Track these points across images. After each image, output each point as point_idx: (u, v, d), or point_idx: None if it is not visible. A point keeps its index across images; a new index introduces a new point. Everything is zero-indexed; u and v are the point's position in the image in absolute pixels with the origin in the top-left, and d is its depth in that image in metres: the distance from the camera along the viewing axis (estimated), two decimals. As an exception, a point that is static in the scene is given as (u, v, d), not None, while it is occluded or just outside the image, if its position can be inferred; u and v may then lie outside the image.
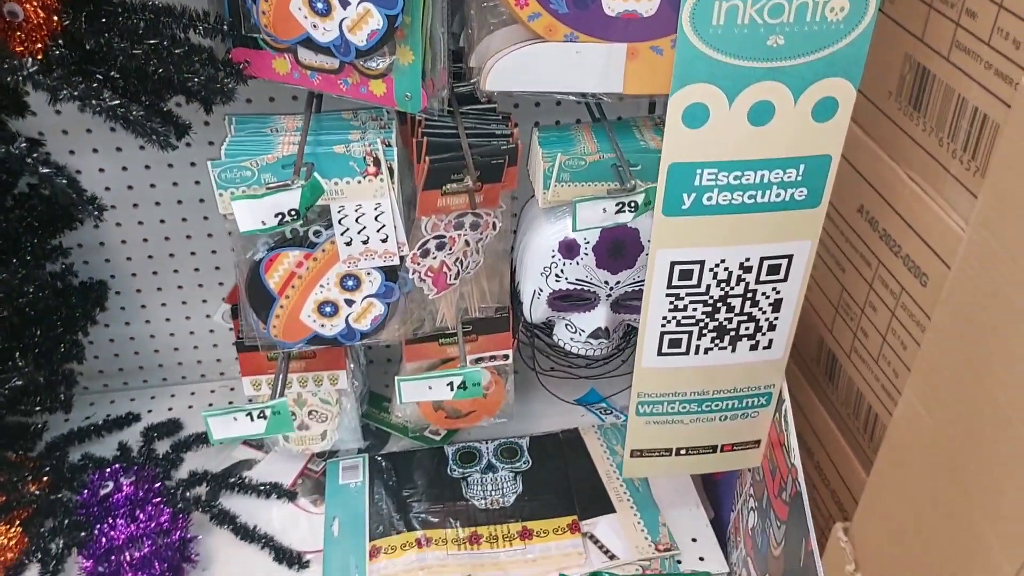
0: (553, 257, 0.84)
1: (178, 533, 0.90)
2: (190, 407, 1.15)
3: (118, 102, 0.63)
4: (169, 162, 1.01)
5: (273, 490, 1.00)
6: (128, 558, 0.86)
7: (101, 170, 1.00)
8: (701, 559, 0.95)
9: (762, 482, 0.86)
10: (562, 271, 0.85)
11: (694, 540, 0.97)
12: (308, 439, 1.01)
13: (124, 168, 1.00)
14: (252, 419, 0.80)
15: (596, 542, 0.95)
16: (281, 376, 0.85)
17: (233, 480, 1.00)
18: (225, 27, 0.71)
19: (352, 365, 1.00)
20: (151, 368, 1.18)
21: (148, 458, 1.03)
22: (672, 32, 0.64)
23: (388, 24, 0.66)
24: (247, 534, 0.95)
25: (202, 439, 1.07)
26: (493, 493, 1.01)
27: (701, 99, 0.63)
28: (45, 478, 0.97)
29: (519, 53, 0.70)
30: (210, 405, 1.16)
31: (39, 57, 0.65)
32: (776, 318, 0.76)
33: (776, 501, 0.80)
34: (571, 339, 0.91)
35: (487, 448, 1.07)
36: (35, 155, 0.62)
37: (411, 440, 1.10)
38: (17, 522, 0.93)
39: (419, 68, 0.70)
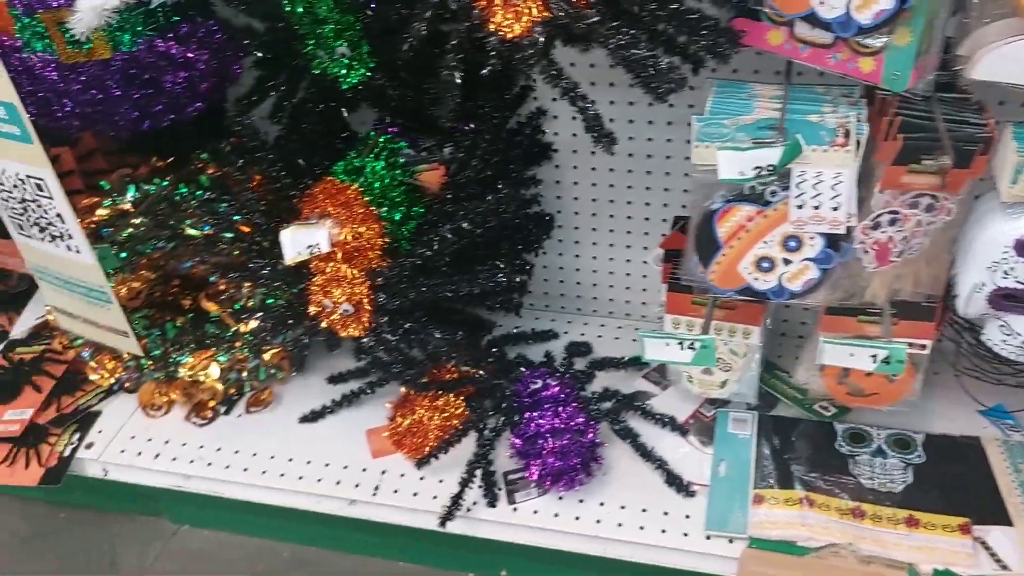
0: (1006, 253, 0.83)
1: (590, 435, 1.04)
2: (599, 336, 1.30)
3: (649, 54, 0.74)
4: (630, 118, 1.14)
5: (669, 422, 1.11)
6: (550, 445, 1.01)
7: (573, 118, 1.15)
8: (1107, 599, 0.89)
9: None
10: (1012, 268, 0.83)
11: (1101, 579, 0.91)
12: (709, 384, 1.10)
13: (593, 118, 1.15)
14: (682, 348, 0.91)
15: (988, 549, 0.93)
16: (709, 318, 0.95)
17: (637, 404, 1.12)
18: (733, -1, 0.80)
19: (763, 327, 1.07)
20: (571, 297, 1.35)
21: (568, 369, 1.19)
22: None
23: (898, 5, 0.71)
24: (645, 453, 1.06)
25: (611, 363, 1.21)
26: (881, 477, 1.02)
27: None
28: (488, 366, 1.16)
29: (1015, 46, 0.71)
30: (616, 339, 1.30)
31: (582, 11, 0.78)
32: None
33: None
34: (1003, 341, 0.89)
35: (879, 434, 1.08)
36: (575, 91, 0.75)
37: (799, 409, 1.14)
38: (463, 398, 1.13)
39: (914, 50, 0.74)
